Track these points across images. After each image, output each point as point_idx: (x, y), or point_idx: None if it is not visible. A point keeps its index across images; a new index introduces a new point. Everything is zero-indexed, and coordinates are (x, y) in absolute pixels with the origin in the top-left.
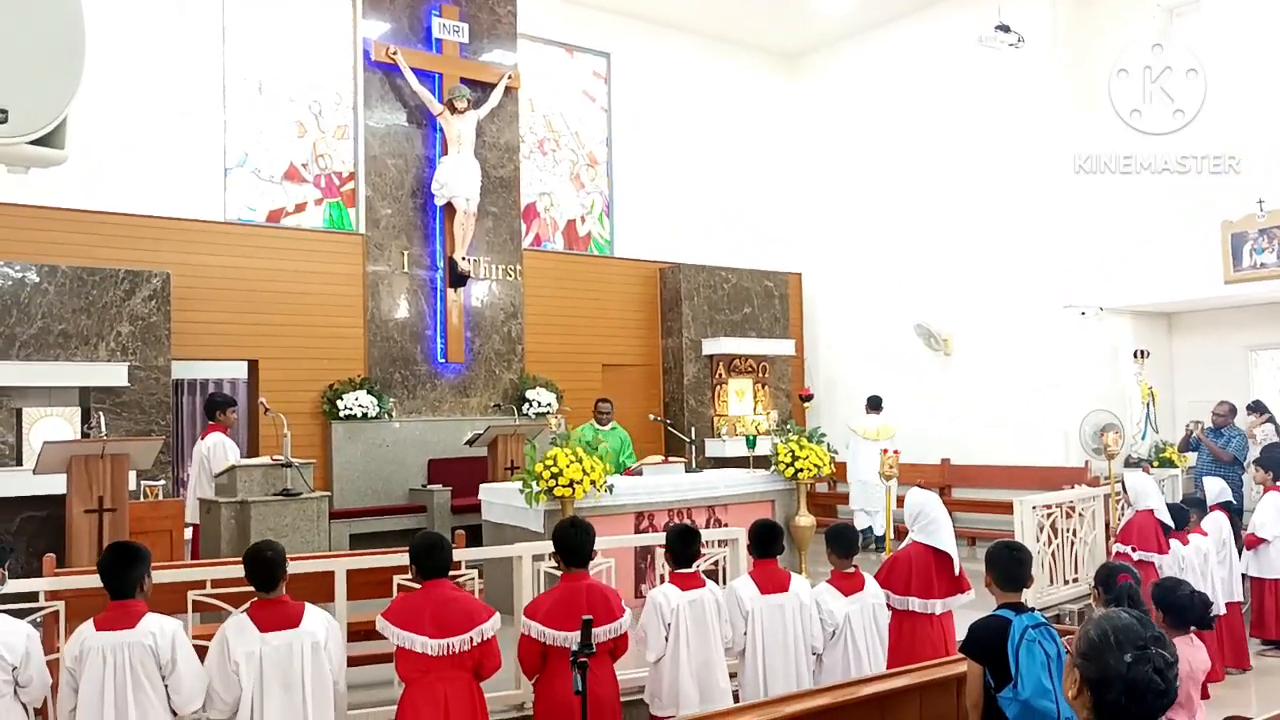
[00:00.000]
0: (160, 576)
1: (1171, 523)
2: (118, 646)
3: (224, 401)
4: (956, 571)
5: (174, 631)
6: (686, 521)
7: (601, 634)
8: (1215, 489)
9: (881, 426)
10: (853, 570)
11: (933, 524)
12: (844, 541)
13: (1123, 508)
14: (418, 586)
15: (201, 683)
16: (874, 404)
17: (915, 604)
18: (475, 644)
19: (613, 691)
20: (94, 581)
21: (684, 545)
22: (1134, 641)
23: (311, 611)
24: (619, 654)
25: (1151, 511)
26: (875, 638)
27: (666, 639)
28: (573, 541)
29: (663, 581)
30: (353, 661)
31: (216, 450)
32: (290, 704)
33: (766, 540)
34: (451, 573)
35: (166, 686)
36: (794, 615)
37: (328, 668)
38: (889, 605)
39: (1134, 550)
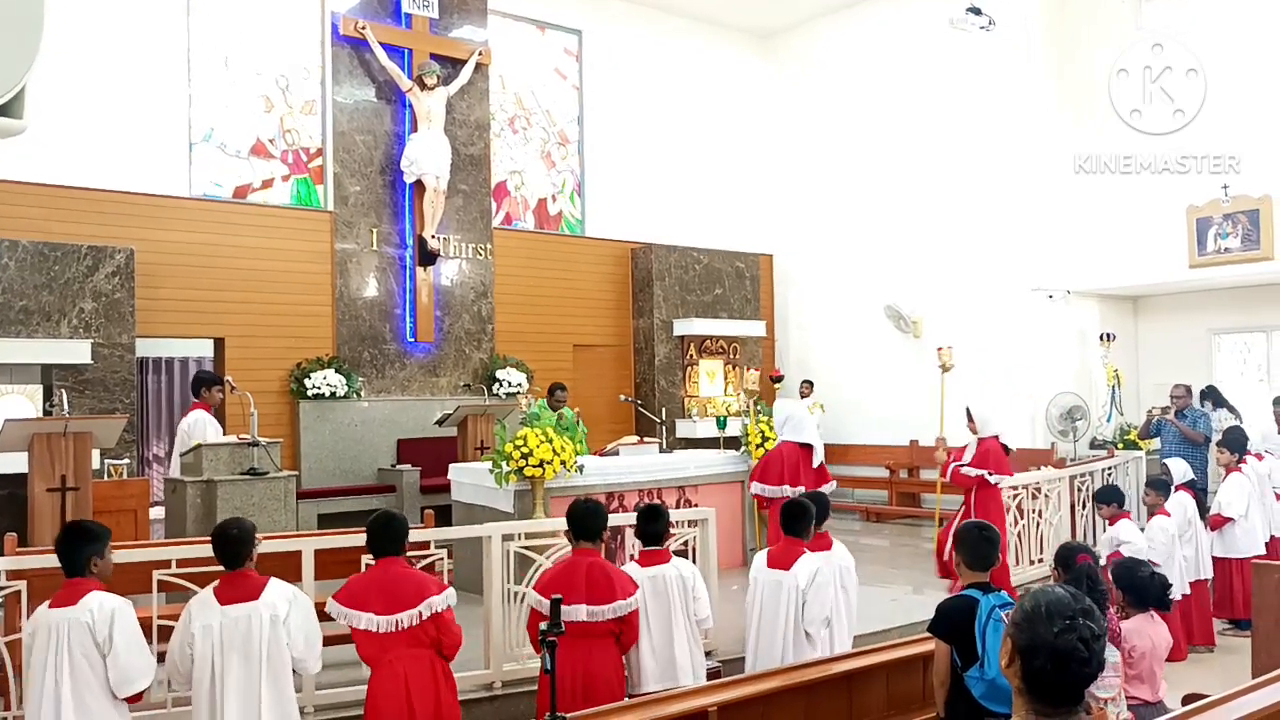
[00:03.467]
0: (125, 556)
1: (1013, 447)
2: (59, 623)
3: (209, 379)
4: (817, 464)
5: (113, 609)
6: (656, 501)
7: (591, 612)
8: (1180, 469)
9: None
10: (823, 532)
11: (799, 424)
12: (797, 518)
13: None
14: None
15: (141, 663)
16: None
17: (789, 490)
18: (425, 618)
19: (610, 672)
20: (56, 561)
21: (649, 523)
22: (1063, 613)
23: (275, 585)
24: (626, 638)
25: (996, 437)
26: (841, 597)
27: None
28: (581, 516)
29: (631, 560)
30: (326, 641)
31: (196, 428)
32: (249, 675)
33: (791, 519)
34: (420, 552)
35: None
36: (789, 594)
37: (284, 641)
38: (760, 495)
39: (990, 473)
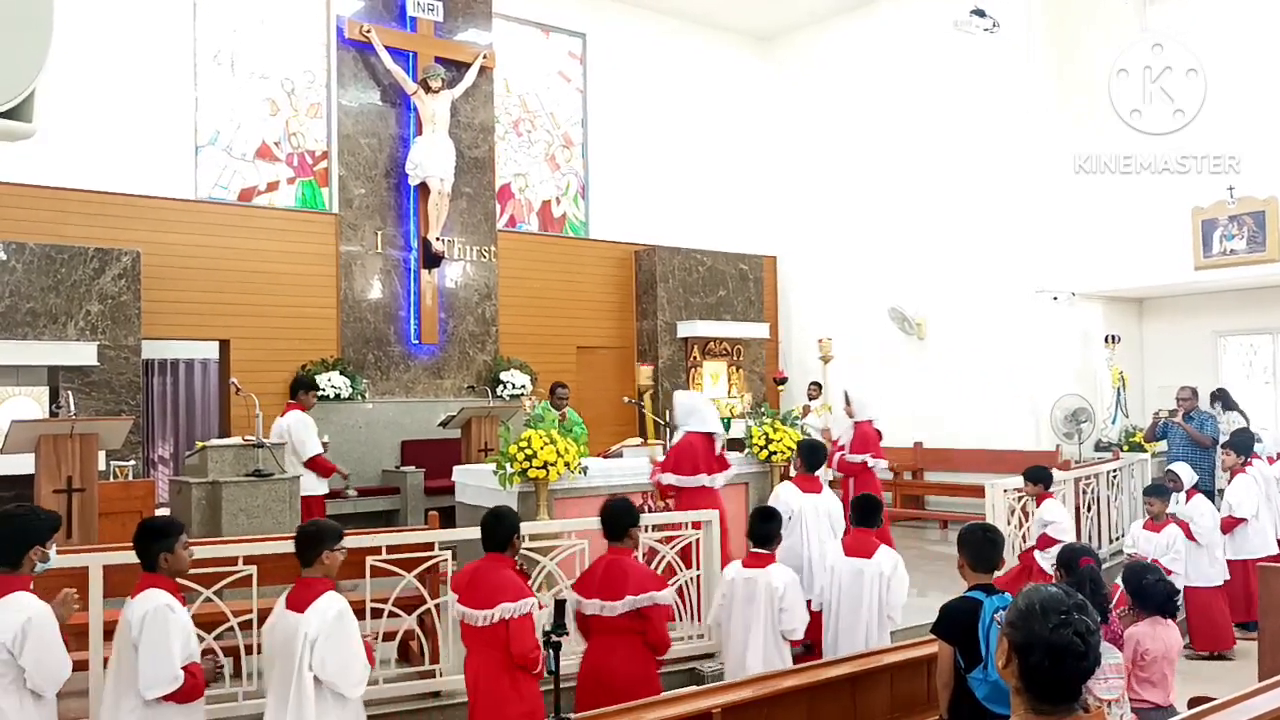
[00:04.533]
0: (129, 558)
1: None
2: (124, 615)
3: (309, 383)
4: (719, 450)
5: (153, 609)
6: (653, 503)
7: (603, 606)
8: (1189, 474)
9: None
10: (815, 477)
11: (703, 415)
12: (815, 455)
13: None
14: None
15: (156, 671)
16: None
17: (705, 480)
18: (495, 621)
19: (635, 670)
20: (64, 562)
21: (762, 523)
22: (1057, 609)
23: (323, 600)
24: (650, 636)
25: (871, 421)
26: (827, 527)
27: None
28: (607, 515)
29: (733, 560)
30: None
31: (296, 428)
32: (283, 688)
33: (863, 511)
34: (424, 554)
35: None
36: (872, 581)
37: (308, 661)
38: (673, 485)
39: (871, 457)
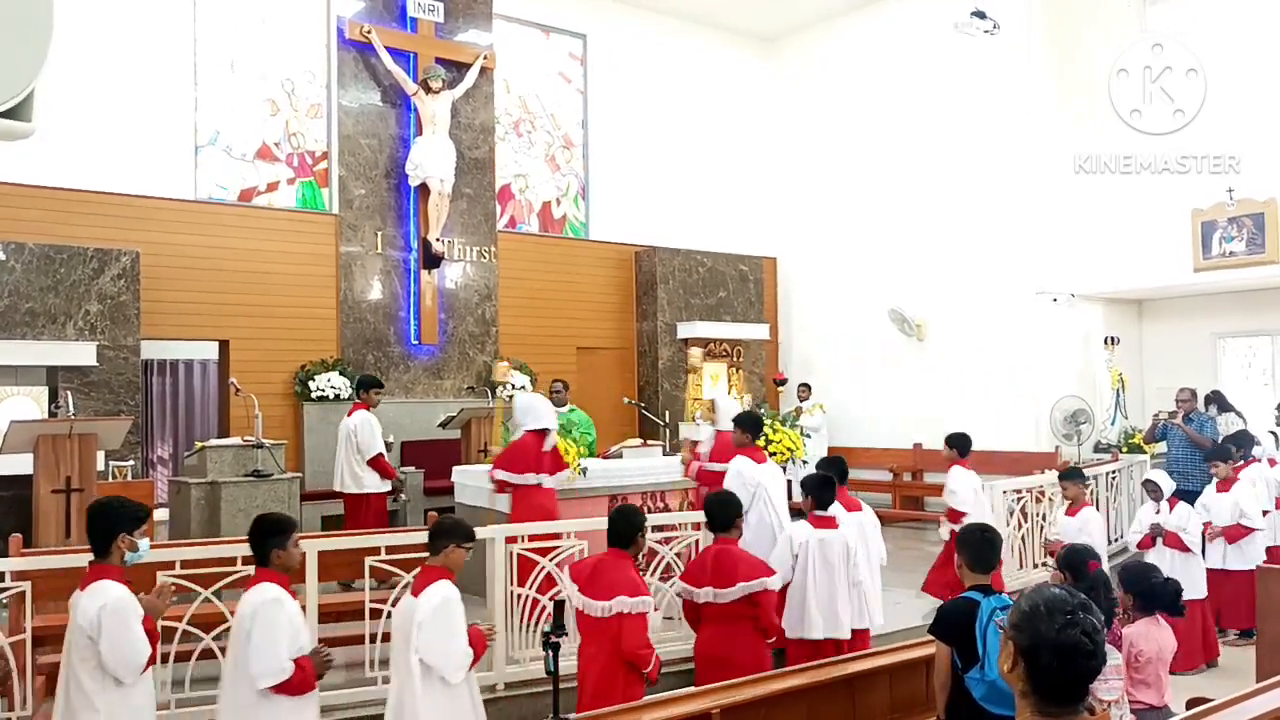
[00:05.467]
0: (128, 557)
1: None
2: (240, 607)
3: (372, 382)
4: (549, 447)
5: (261, 603)
6: (662, 505)
7: (716, 594)
8: (1168, 483)
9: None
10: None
11: (539, 414)
12: (758, 425)
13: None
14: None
15: (265, 664)
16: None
17: (532, 479)
18: (610, 614)
19: (744, 653)
20: (61, 562)
21: (820, 490)
22: (1063, 609)
23: (434, 588)
24: (761, 620)
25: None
26: (783, 498)
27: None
28: (713, 509)
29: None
30: (332, 642)
31: (363, 428)
32: (398, 669)
33: (820, 486)
34: (422, 554)
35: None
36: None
37: (414, 644)
38: (505, 481)
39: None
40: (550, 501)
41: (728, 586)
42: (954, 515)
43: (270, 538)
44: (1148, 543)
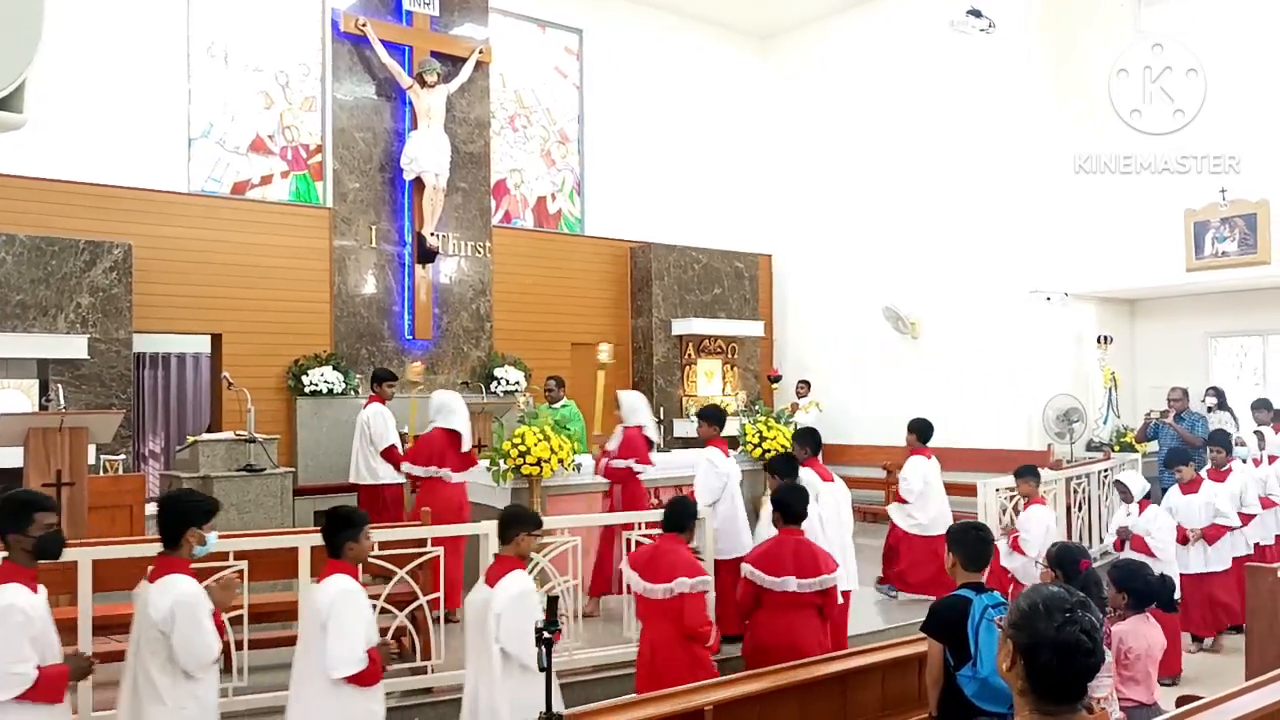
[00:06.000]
0: (121, 552)
1: (657, 439)
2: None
3: (385, 375)
4: (466, 448)
5: (337, 593)
6: (655, 501)
7: (800, 585)
8: (1139, 485)
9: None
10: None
11: (450, 412)
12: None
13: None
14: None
15: (345, 652)
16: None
17: (435, 470)
18: (673, 595)
19: (812, 641)
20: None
21: (805, 441)
22: (1061, 607)
23: (510, 578)
24: (828, 609)
25: (641, 428)
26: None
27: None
28: (787, 500)
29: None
30: None
31: (375, 420)
32: (477, 656)
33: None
34: (416, 550)
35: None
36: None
37: (494, 633)
38: (411, 474)
39: (636, 463)
40: (460, 496)
41: (811, 576)
42: (900, 501)
43: (343, 530)
44: (1117, 546)
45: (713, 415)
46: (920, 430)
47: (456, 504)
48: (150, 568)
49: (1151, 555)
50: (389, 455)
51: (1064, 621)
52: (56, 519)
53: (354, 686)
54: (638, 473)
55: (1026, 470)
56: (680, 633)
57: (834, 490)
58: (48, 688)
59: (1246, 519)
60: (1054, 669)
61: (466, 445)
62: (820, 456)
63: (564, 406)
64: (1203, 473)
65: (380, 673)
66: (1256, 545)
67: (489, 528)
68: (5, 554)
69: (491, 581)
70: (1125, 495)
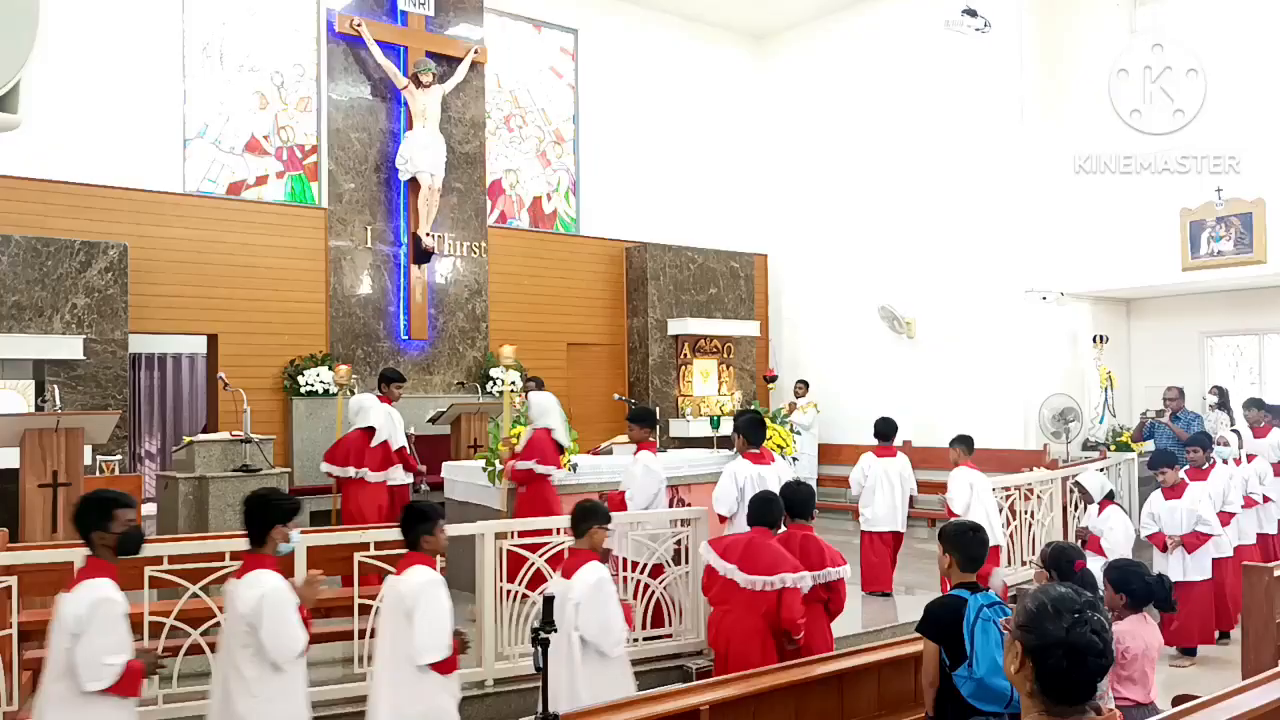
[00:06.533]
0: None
1: (567, 442)
2: (390, 592)
3: (394, 376)
4: (376, 443)
5: (422, 584)
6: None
7: (817, 578)
8: (1098, 486)
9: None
10: (760, 451)
11: (366, 414)
12: (757, 430)
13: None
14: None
15: (432, 640)
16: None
17: (353, 471)
18: (773, 588)
19: (819, 636)
20: (48, 556)
21: (752, 429)
22: (1070, 608)
23: (586, 569)
24: (834, 604)
25: (549, 430)
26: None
27: None
28: (794, 496)
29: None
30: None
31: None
32: (558, 646)
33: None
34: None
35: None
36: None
37: (574, 621)
38: (330, 473)
39: (537, 464)
40: (380, 496)
41: (817, 569)
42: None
43: (420, 524)
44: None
45: (644, 417)
46: (876, 429)
47: (377, 504)
48: (239, 564)
49: (1103, 555)
50: (399, 456)
51: (1074, 622)
52: (135, 515)
53: (436, 674)
54: (543, 475)
55: (960, 439)
56: (766, 625)
57: (778, 469)
58: (129, 682)
59: (1226, 518)
60: (1065, 670)
61: (377, 440)
62: (759, 448)
63: None
64: (1183, 474)
65: (457, 663)
66: (1238, 548)
67: (486, 528)
68: (88, 551)
69: (568, 573)
70: (1085, 496)
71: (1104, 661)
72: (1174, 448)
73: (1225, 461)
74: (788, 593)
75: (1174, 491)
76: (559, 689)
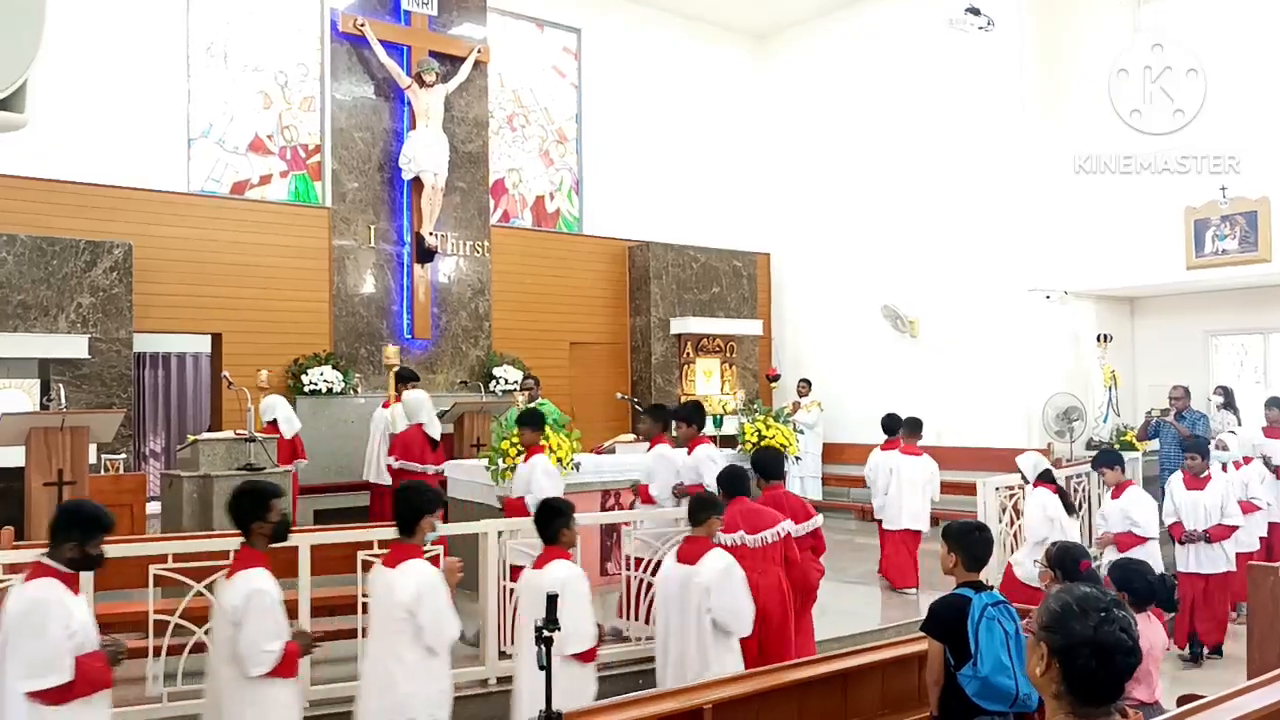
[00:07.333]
0: (122, 551)
1: (437, 437)
2: (528, 585)
3: (409, 375)
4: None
5: (566, 578)
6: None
7: (801, 529)
8: (1029, 463)
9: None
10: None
11: (289, 418)
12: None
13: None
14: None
15: (580, 628)
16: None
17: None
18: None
19: (813, 580)
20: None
21: (691, 413)
22: (1096, 607)
23: (713, 555)
24: (819, 550)
25: (420, 426)
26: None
27: None
28: (767, 460)
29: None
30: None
31: (400, 422)
32: (684, 627)
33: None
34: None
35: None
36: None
37: (705, 605)
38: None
39: (396, 460)
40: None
41: (805, 520)
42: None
43: (555, 519)
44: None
45: (531, 420)
46: (883, 424)
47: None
48: (386, 553)
49: (1141, 541)
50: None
51: (1101, 620)
52: (285, 505)
53: (580, 662)
54: (415, 472)
55: (903, 422)
56: (782, 574)
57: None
58: (288, 664)
59: (1228, 530)
60: (1093, 670)
61: (289, 433)
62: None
63: (540, 404)
64: (1172, 482)
65: (598, 651)
66: (1238, 555)
67: (489, 526)
68: (242, 540)
69: (691, 559)
70: (1024, 477)
71: (1132, 660)
72: (1178, 447)
73: (1224, 466)
74: (789, 539)
75: (1199, 483)
76: (685, 668)
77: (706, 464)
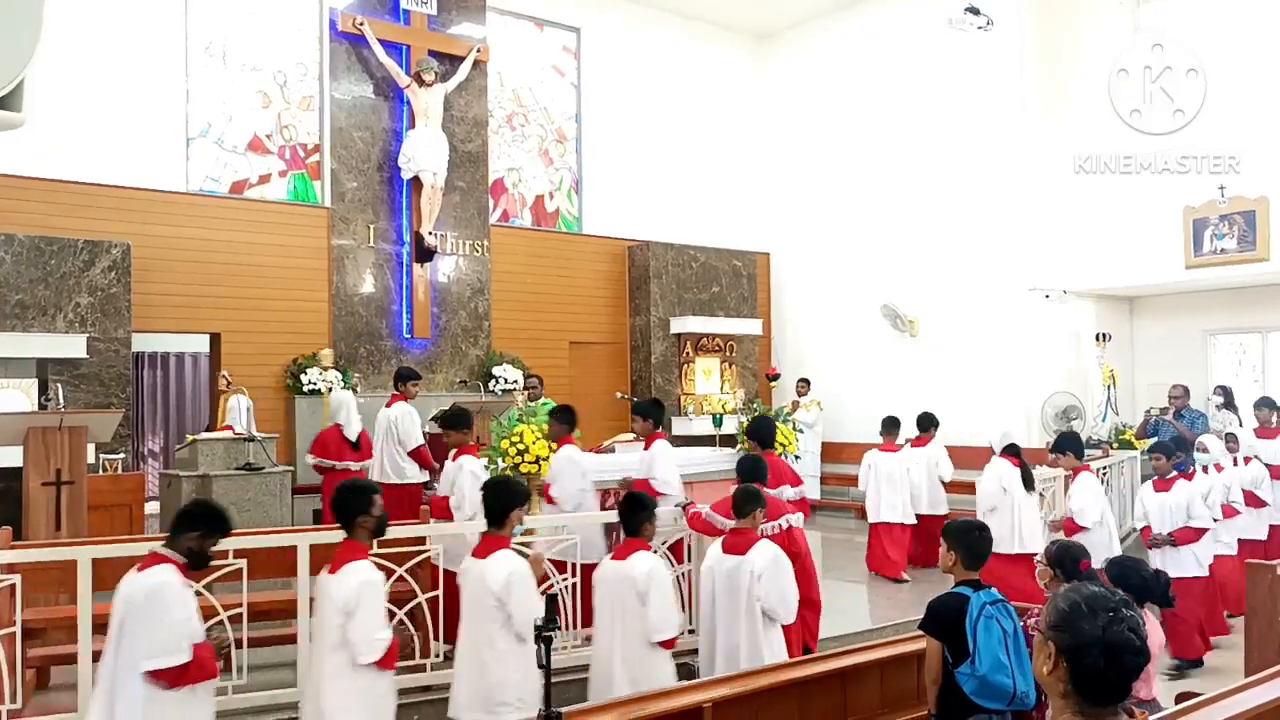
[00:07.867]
0: (120, 551)
1: (354, 439)
2: (612, 577)
3: (410, 374)
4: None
5: (651, 569)
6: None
7: (793, 492)
8: (997, 435)
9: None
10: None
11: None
12: (768, 431)
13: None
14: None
15: (667, 615)
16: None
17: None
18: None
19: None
20: (52, 555)
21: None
22: (1105, 606)
23: (760, 546)
24: (805, 515)
25: (339, 426)
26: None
27: None
28: (762, 428)
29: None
30: None
31: (404, 419)
32: (733, 614)
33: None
34: (416, 548)
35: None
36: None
37: (756, 593)
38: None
39: (313, 458)
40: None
41: (798, 485)
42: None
43: (640, 512)
44: None
45: (455, 421)
46: (882, 424)
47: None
48: (477, 545)
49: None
50: (418, 455)
51: (1110, 620)
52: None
53: (665, 651)
54: (333, 469)
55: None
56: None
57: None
58: (392, 656)
59: (1195, 534)
60: (1101, 669)
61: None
62: (662, 427)
63: (543, 404)
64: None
65: (677, 640)
66: (1216, 557)
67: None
68: (345, 534)
69: (740, 550)
70: (992, 448)
71: (1141, 660)
72: (1177, 446)
73: (1205, 469)
74: (791, 530)
75: (1164, 484)
76: (739, 653)
77: (660, 461)
